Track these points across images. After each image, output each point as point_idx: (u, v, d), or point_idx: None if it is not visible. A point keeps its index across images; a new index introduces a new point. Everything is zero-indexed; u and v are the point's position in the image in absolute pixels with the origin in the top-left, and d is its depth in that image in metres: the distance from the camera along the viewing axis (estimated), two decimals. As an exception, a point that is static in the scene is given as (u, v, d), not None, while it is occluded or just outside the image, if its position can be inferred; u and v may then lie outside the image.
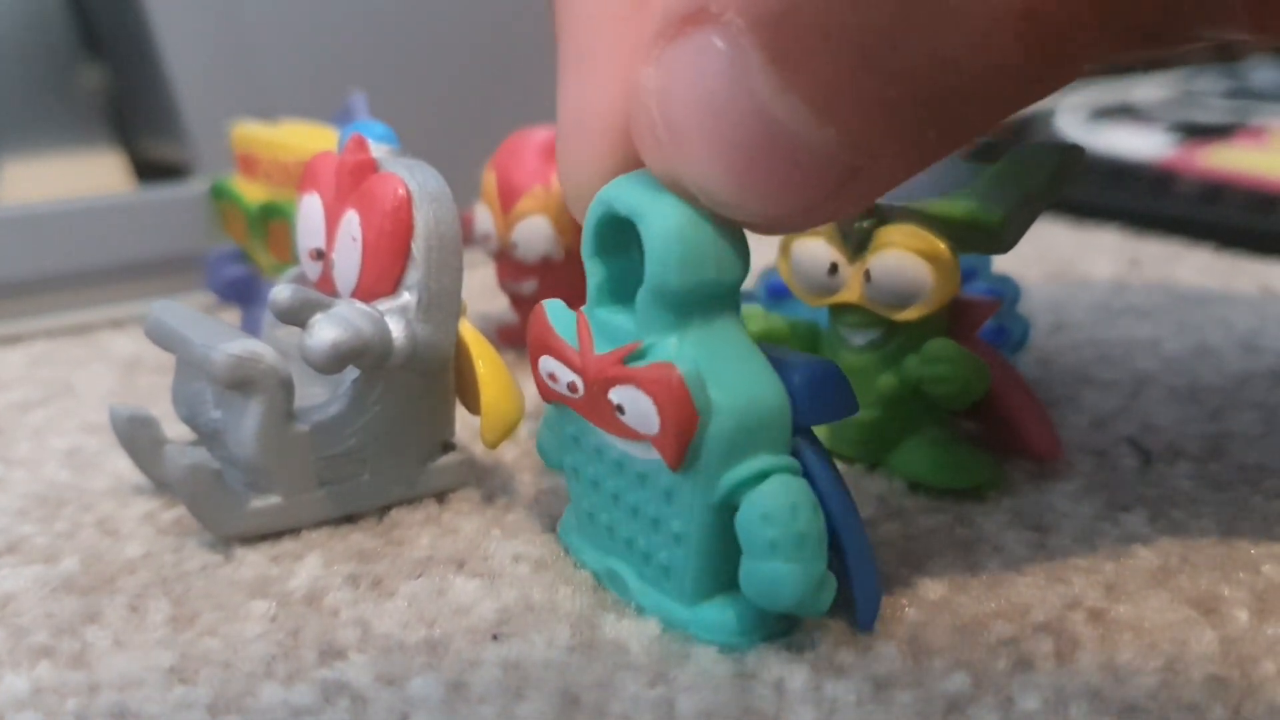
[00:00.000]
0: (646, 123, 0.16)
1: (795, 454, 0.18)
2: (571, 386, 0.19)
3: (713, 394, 0.17)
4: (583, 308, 0.19)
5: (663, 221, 0.17)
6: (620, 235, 0.18)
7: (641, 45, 0.16)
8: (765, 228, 0.17)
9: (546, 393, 0.20)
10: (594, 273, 0.19)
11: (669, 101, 0.16)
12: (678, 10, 0.15)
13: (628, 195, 0.17)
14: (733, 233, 0.17)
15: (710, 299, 0.17)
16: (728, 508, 0.18)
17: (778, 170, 0.15)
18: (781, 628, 0.19)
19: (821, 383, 0.18)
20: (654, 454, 0.18)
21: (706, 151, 0.16)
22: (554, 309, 0.19)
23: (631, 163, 0.18)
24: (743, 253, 0.17)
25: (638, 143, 0.17)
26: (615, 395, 0.18)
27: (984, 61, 0.14)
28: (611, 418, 0.18)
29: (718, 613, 0.18)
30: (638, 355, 0.17)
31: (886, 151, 0.15)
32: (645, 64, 0.16)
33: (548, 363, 0.19)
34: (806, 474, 0.18)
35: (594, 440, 0.19)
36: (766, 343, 0.18)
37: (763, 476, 0.17)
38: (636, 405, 0.17)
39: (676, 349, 0.17)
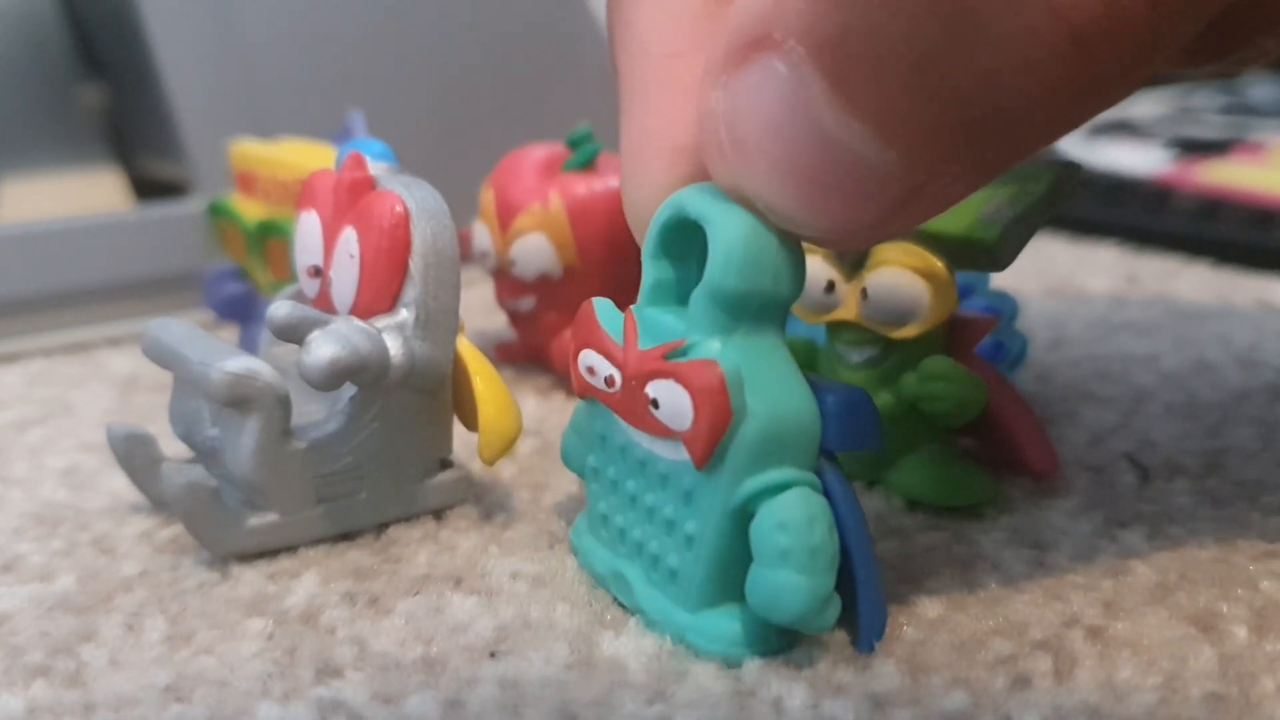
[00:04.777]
0: (714, 142, 0.17)
1: (819, 474, 0.18)
2: (609, 380, 0.19)
3: (749, 399, 0.17)
4: (632, 306, 0.19)
5: (730, 226, 0.17)
6: (682, 241, 0.19)
7: (709, 69, 0.17)
8: (828, 243, 0.18)
9: (582, 386, 0.20)
10: (650, 272, 0.19)
11: (735, 123, 0.16)
12: (743, 37, 0.16)
13: (699, 200, 0.18)
14: (793, 250, 0.18)
15: (761, 309, 0.18)
16: (745, 515, 0.18)
17: (840, 190, 0.16)
18: (781, 644, 0.19)
19: (854, 410, 0.18)
20: (680, 454, 0.18)
21: (772, 171, 0.16)
22: (602, 306, 0.20)
23: (692, 182, 0.18)
24: (799, 271, 0.18)
25: (706, 160, 0.17)
26: (653, 389, 0.18)
27: (1032, 83, 0.14)
28: (644, 412, 0.18)
29: (719, 622, 0.18)
30: (681, 352, 0.18)
31: (946, 171, 0.15)
32: (713, 88, 0.16)
33: (588, 356, 0.20)
34: (827, 496, 0.18)
35: (620, 439, 0.20)
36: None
37: (784, 487, 0.17)
38: (673, 399, 0.18)
39: (720, 350, 0.18)
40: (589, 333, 0.20)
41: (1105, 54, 0.14)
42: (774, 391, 0.18)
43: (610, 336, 0.19)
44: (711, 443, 0.17)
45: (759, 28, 0.15)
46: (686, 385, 0.18)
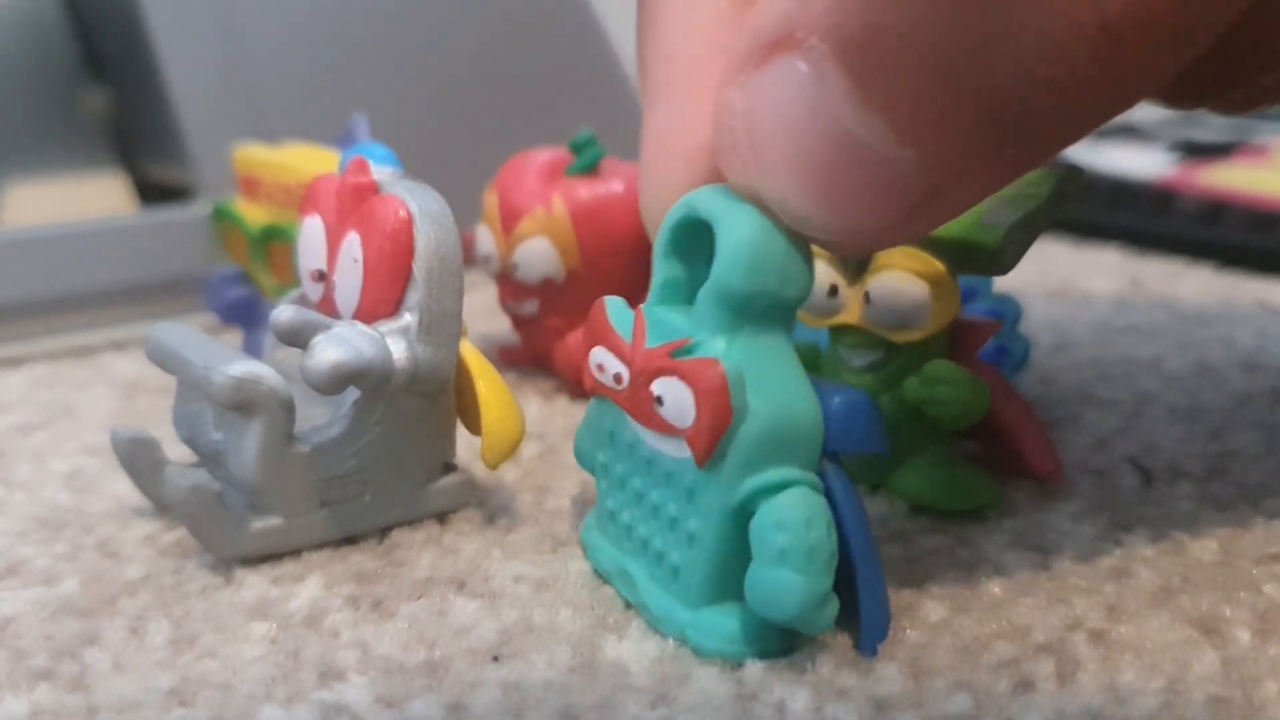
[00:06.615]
0: (730, 141, 0.17)
1: (821, 476, 0.18)
2: (617, 378, 0.19)
3: (751, 398, 0.17)
4: (642, 305, 0.19)
5: (739, 226, 0.17)
6: (693, 241, 0.19)
7: (729, 70, 0.16)
8: (843, 246, 0.18)
9: (592, 384, 0.20)
10: (661, 271, 0.19)
11: (754, 122, 0.16)
12: (765, 37, 0.16)
13: (710, 200, 0.18)
14: (803, 252, 0.18)
15: (767, 310, 0.18)
16: (745, 513, 0.18)
17: (858, 189, 0.16)
18: (782, 645, 0.19)
19: (858, 412, 0.18)
20: (684, 452, 0.18)
21: (789, 170, 0.16)
22: (613, 305, 0.20)
23: (708, 184, 0.18)
24: (808, 273, 0.18)
25: (721, 159, 0.17)
26: (657, 386, 0.18)
27: (1061, 74, 0.14)
28: (650, 410, 0.19)
29: (720, 619, 0.19)
30: (686, 350, 0.18)
31: (966, 171, 0.15)
32: (732, 87, 0.16)
33: (599, 353, 0.20)
34: (829, 497, 0.18)
35: (629, 436, 0.20)
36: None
37: (783, 486, 0.17)
38: (676, 397, 0.18)
39: (724, 348, 0.18)
40: (599, 330, 0.20)
41: (1135, 43, 0.14)
42: (776, 391, 0.18)
43: (620, 334, 0.19)
44: (712, 440, 0.18)
45: (781, 29, 0.15)
46: (689, 383, 0.18)
